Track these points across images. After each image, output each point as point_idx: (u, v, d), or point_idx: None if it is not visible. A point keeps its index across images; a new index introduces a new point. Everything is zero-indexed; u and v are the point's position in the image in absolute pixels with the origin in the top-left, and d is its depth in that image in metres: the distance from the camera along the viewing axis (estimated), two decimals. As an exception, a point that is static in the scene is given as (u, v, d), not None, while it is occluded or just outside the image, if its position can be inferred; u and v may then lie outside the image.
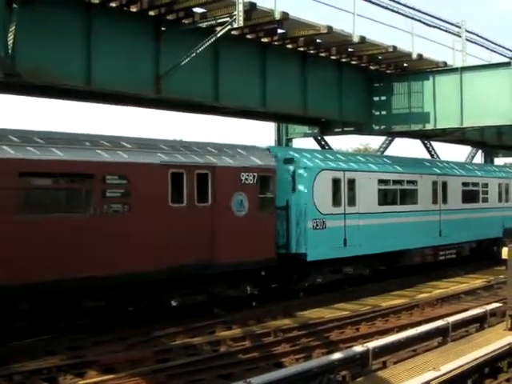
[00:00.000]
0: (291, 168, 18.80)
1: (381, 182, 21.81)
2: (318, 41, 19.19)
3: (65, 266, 13.10)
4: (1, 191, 12.34)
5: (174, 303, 15.40)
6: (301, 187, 18.74)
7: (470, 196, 27.20)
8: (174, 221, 15.03)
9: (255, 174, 17.22)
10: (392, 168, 22.85)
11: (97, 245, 13.69)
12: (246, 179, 16.96)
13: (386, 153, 29.39)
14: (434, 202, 24.64)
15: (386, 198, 22.39)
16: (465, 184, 26.97)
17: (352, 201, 20.27)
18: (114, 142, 14.71)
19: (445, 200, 25.20)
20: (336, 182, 19.78)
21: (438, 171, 25.47)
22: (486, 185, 28.42)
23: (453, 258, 26.16)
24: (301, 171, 18.79)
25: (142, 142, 15.45)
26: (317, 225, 18.93)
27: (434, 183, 24.77)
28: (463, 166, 29.44)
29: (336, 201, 19.75)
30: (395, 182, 22.60)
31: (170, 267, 14.89)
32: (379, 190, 21.73)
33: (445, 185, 25.27)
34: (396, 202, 22.63)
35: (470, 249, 27.47)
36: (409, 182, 23.30)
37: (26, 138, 13.18)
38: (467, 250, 27.24)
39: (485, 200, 28.26)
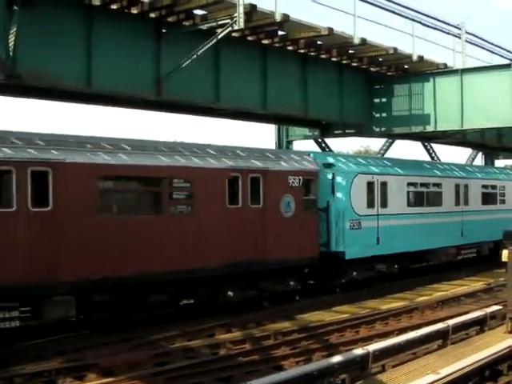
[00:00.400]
0: (331, 172, 19.86)
1: (409, 184, 23.06)
2: (318, 43, 19.16)
3: (138, 262, 14.14)
4: (86, 193, 13.39)
5: (230, 296, 16.40)
6: (339, 190, 19.91)
7: (488, 198, 28.32)
8: (231, 221, 16.11)
9: (300, 177, 18.28)
10: (419, 171, 24.03)
11: (164, 243, 14.72)
12: (292, 182, 18.01)
13: (386, 155, 29.50)
14: (457, 203, 25.74)
15: (414, 199, 23.43)
16: (484, 186, 28.06)
17: (384, 202, 21.37)
18: (185, 148, 15.89)
19: (466, 202, 26.29)
20: (370, 185, 20.96)
21: (460, 174, 26.59)
22: (503, 187, 29.50)
23: (473, 257, 27.23)
24: (339, 175, 20.00)
25: (201, 147, 16.43)
26: (353, 225, 20.04)
27: (457, 186, 25.85)
28: (482, 169, 30.86)
29: (370, 202, 20.83)
30: (422, 184, 23.87)
31: (227, 264, 15.90)
32: (408, 192, 22.86)
33: (466, 187, 26.38)
34: (423, 204, 23.79)
35: (489, 249, 28.07)
36: (434, 184, 24.51)
37: (115, 145, 14.44)
38: (486, 250, 28.00)
39: (502, 202, 29.32)
